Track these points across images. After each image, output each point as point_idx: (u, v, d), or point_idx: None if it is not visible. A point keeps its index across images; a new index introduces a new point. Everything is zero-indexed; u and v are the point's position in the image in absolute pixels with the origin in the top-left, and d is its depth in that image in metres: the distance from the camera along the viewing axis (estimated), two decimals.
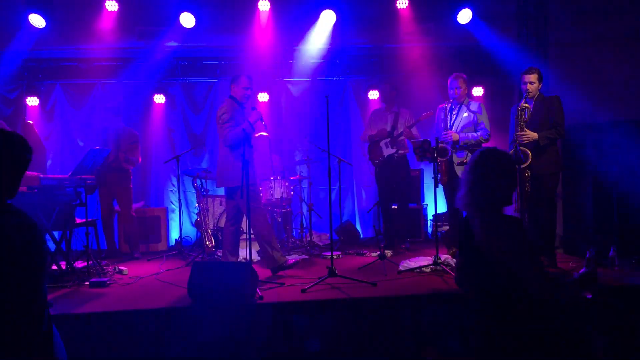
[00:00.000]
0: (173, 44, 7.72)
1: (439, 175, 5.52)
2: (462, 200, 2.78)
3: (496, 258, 2.57)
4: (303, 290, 4.51)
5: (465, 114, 5.80)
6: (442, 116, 5.89)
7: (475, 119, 5.78)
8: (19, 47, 7.37)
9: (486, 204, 2.69)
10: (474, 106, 5.85)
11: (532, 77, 5.38)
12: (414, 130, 6.49)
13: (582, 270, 2.79)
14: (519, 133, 5.31)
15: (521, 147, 5.26)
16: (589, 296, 2.66)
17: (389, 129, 6.75)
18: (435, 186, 5.50)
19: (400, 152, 6.69)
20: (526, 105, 5.38)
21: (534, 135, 5.25)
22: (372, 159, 6.88)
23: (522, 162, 5.23)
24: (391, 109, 6.89)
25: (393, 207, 6.95)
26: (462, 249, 2.91)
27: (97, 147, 5.79)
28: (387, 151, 6.68)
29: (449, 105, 5.87)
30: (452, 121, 5.82)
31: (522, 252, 2.53)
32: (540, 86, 5.42)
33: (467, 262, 2.83)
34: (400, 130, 6.56)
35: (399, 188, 6.79)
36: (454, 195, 5.75)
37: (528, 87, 5.37)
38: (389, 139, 6.68)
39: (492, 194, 2.67)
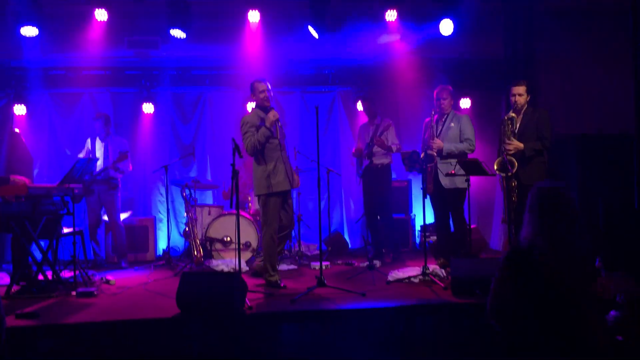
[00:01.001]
0: (163, 53, 7.71)
1: (426, 184, 5.59)
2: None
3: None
4: (292, 301, 4.51)
5: (452, 125, 5.86)
6: (428, 127, 5.94)
7: (460, 130, 5.83)
8: (7, 55, 7.35)
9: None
10: (459, 118, 5.91)
11: (521, 89, 5.43)
12: (387, 138, 6.65)
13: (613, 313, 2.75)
14: (506, 142, 5.36)
15: (508, 157, 5.31)
16: (620, 338, 2.65)
17: (368, 140, 6.87)
18: (424, 197, 5.54)
19: (376, 162, 6.76)
20: (513, 114, 5.44)
21: (519, 145, 5.30)
22: (357, 170, 7.06)
23: (509, 171, 5.28)
24: (373, 121, 7.04)
25: (378, 217, 7.00)
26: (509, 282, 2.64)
27: (85, 157, 5.76)
28: (364, 162, 6.82)
29: (435, 116, 5.93)
30: (438, 132, 5.87)
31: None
32: (528, 98, 5.47)
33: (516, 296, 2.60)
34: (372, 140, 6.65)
35: (381, 199, 6.84)
36: (441, 206, 5.85)
37: (516, 99, 5.43)
38: (366, 151, 6.78)
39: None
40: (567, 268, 2.51)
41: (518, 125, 5.41)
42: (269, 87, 5.46)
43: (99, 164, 6.80)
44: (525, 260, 2.52)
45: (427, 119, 6.04)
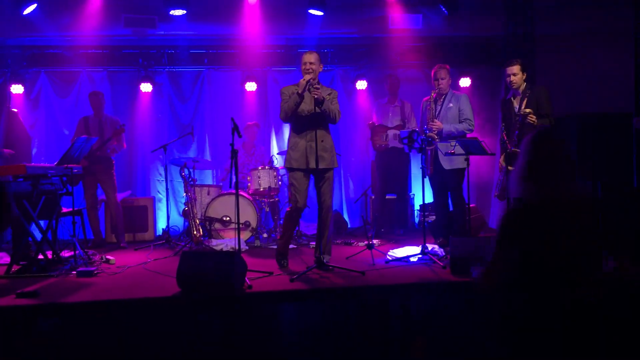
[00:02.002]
0: (160, 32, 7.64)
1: (427, 165, 5.60)
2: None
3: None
4: (291, 280, 4.53)
5: (451, 105, 5.82)
6: (427, 107, 5.92)
7: (459, 110, 5.80)
8: (3, 34, 7.27)
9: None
10: (458, 97, 5.88)
11: (515, 69, 5.37)
12: (412, 120, 7.05)
13: None
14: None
15: (513, 150, 5.23)
16: None
17: (397, 122, 7.10)
18: (424, 176, 5.54)
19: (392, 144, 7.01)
20: (510, 97, 5.43)
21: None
22: (374, 141, 7.20)
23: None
24: (395, 101, 7.27)
25: (388, 196, 7.18)
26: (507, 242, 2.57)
27: (84, 136, 5.74)
28: (393, 142, 6.87)
29: (434, 96, 5.89)
30: (437, 112, 5.84)
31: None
32: (524, 76, 5.42)
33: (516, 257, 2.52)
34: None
35: (396, 178, 7.15)
36: (440, 186, 5.85)
37: (512, 79, 5.38)
38: (398, 132, 6.91)
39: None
40: (569, 216, 2.44)
41: (517, 107, 5.36)
42: (310, 59, 5.03)
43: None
44: (523, 217, 2.48)
45: (425, 98, 6.01)
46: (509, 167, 5.24)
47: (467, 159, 5.43)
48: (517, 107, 5.34)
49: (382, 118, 7.26)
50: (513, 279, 2.49)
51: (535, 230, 2.44)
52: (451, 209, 5.94)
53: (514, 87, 5.40)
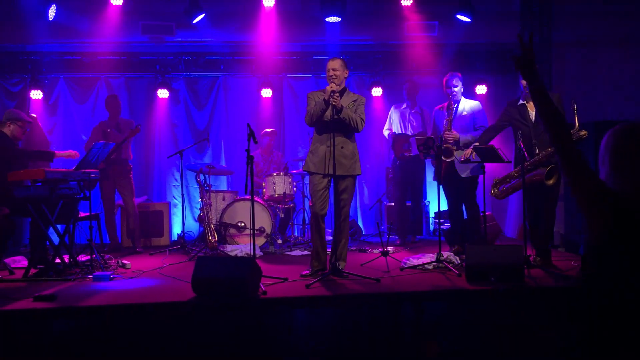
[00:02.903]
0: (177, 39, 7.72)
1: (441, 173, 5.57)
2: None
3: None
4: (307, 286, 4.52)
5: (465, 113, 5.80)
6: (441, 116, 5.88)
7: (473, 117, 5.78)
8: (23, 40, 7.38)
9: None
10: (472, 104, 5.85)
11: None
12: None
13: None
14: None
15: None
16: None
17: (418, 129, 7.11)
18: (439, 184, 5.52)
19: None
20: (523, 102, 5.36)
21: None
22: (397, 150, 7.09)
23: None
24: (414, 107, 7.25)
25: (407, 204, 7.30)
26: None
27: (102, 141, 5.80)
28: (416, 151, 6.86)
29: (447, 104, 5.87)
30: (451, 120, 5.80)
31: None
32: None
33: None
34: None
35: (414, 185, 7.17)
36: (455, 193, 5.81)
37: (525, 84, 5.33)
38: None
39: None
40: None
41: (533, 113, 5.29)
42: (334, 65, 5.01)
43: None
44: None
45: (437, 107, 6.01)
46: (548, 182, 5.05)
47: (482, 167, 5.41)
48: (533, 113, 5.27)
49: (402, 124, 7.19)
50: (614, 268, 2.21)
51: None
52: (465, 216, 5.92)
53: (527, 92, 5.35)
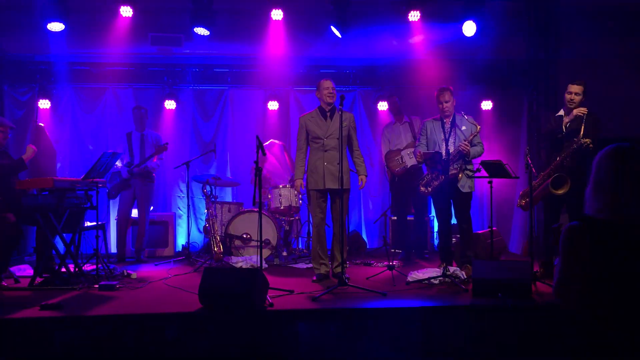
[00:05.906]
0: (186, 50, 7.77)
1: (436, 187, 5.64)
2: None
3: None
4: (313, 299, 4.52)
5: (464, 127, 5.73)
6: (435, 130, 5.80)
7: (470, 133, 5.71)
8: (32, 50, 7.42)
9: None
10: (467, 121, 5.78)
11: (579, 89, 5.27)
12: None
13: None
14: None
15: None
16: None
17: (410, 139, 7.02)
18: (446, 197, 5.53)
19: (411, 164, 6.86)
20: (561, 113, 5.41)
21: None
22: (392, 167, 7.08)
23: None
24: (402, 120, 7.14)
25: (408, 218, 7.14)
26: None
27: (110, 151, 5.82)
28: (410, 161, 6.81)
29: (440, 118, 5.84)
30: (448, 135, 5.77)
31: None
32: (583, 99, 5.32)
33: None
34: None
35: (415, 198, 7.04)
36: (447, 208, 5.79)
37: (573, 98, 5.27)
38: (412, 149, 6.80)
39: None
40: None
41: (568, 122, 5.31)
42: (333, 85, 5.63)
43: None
44: (601, 233, 2.31)
45: (428, 119, 5.93)
46: (556, 191, 5.12)
47: (490, 182, 5.49)
48: (567, 122, 5.31)
49: (394, 141, 7.13)
50: (598, 296, 2.32)
51: (613, 248, 2.30)
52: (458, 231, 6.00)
53: (572, 105, 5.30)
